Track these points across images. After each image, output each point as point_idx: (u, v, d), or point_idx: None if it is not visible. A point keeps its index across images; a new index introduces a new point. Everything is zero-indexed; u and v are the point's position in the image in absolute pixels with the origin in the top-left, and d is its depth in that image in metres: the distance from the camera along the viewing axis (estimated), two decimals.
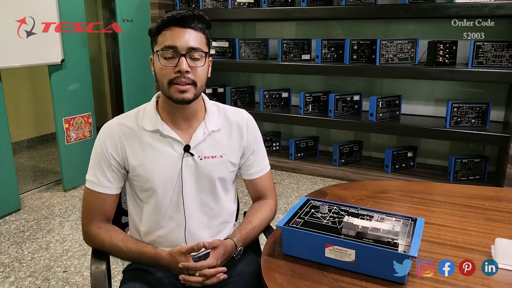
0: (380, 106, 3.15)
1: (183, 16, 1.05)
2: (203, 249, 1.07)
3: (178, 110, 1.12)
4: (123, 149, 1.12)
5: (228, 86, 3.79)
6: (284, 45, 3.37)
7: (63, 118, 2.99)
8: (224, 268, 1.06)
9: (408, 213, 1.08)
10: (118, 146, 1.12)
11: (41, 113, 4.39)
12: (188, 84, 1.06)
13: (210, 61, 1.14)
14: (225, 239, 1.13)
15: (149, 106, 1.16)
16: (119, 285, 1.14)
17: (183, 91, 1.06)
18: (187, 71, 1.05)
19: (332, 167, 3.42)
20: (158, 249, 1.09)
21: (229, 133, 1.20)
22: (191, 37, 1.06)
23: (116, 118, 1.17)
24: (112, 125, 1.14)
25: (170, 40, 1.05)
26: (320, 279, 0.92)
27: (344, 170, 3.37)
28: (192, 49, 1.05)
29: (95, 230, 1.12)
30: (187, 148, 1.12)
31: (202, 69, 1.08)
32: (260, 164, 1.26)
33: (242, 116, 1.23)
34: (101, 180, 1.12)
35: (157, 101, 1.17)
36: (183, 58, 1.04)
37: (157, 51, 1.06)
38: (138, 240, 1.15)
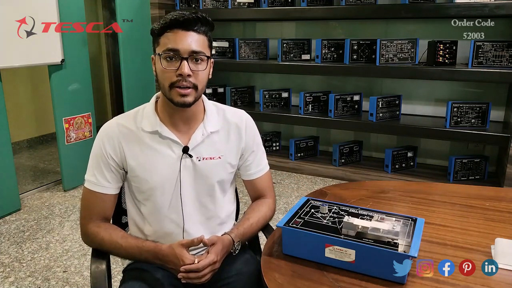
0: (380, 106, 3.15)
1: (187, 19, 1.03)
2: (201, 244, 1.07)
3: (177, 111, 1.12)
4: (122, 150, 1.12)
5: (228, 86, 3.79)
6: (284, 45, 3.37)
7: (63, 118, 2.99)
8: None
9: (408, 213, 1.08)
10: (116, 147, 1.12)
11: (41, 113, 4.39)
12: (189, 87, 1.05)
13: (212, 63, 1.13)
14: (222, 235, 1.13)
15: (148, 107, 1.16)
16: (119, 285, 1.14)
17: (184, 95, 1.05)
18: (188, 75, 1.04)
19: (332, 167, 3.42)
20: (158, 243, 1.09)
21: (228, 134, 1.19)
22: (194, 40, 1.04)
23: (115, 118, 1.16)
24: (111, 126, 1.14)
25: (172, 43, 1.03)
26: (320, 279, 0.92)
27: (344, 170, 3.37)
28: (194, 53, 1.04)
29: (94, 229, 1.12)
30: (185, 150, 1.12)
31: (203, 73, 1.08)
32: (259, 164, 1.26)
33: (241, 117, 1.22)
34: (99, 180, 1.12)
35: (156, 101, 1.17)
36: (185, 62, 1.03)
37: (159, 53, 1.06)
38: (138, 237, 1.15)
